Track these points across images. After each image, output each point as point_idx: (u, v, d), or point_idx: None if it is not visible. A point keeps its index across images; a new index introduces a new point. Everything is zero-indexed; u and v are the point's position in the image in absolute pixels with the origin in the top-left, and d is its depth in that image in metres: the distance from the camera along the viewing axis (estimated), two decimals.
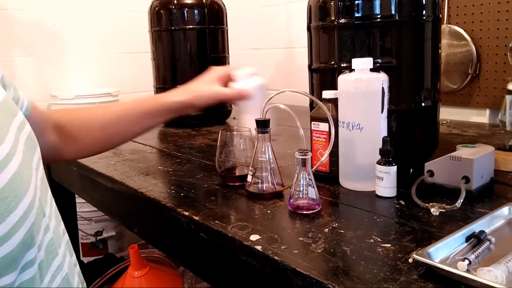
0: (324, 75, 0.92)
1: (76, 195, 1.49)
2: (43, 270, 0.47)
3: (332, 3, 0.86)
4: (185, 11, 1.43)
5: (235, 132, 0.86)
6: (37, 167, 0.50)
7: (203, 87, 0.86)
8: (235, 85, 0.84)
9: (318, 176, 0.81)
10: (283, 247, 0.58)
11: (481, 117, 1.38)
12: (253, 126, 0.79)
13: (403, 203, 0.72)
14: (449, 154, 0.74)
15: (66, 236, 0.56)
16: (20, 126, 0.48)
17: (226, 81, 0.86)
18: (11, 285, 0.42)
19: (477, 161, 0.71)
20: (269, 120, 0.78)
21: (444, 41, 1.37)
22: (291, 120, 0.79)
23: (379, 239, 0.59)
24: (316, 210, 0.70)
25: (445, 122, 1.37)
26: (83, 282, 0.58)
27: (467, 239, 0.56)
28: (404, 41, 0.84)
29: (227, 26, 1.53)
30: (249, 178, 0.79)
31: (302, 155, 0.70)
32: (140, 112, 0.82)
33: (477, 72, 1.35)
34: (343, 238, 0.61)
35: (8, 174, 0.41)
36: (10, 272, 0.41)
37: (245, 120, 0.85)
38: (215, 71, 0.87)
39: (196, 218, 0.70)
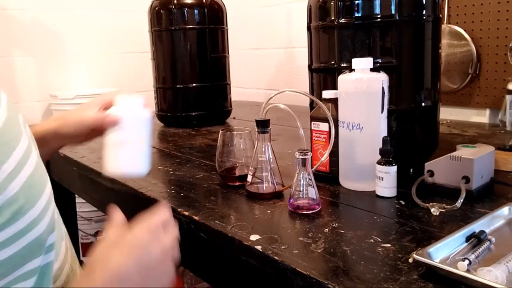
0: (324, 75, 0.92)
1: (76, 195, 1.49)
2: (57, 256, 0.51)
3: (332, 3, 0.86)
4: (185, 11, 1.43)
5: (235, 132, 0.86)
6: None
7: (74, 113, 0.73)
8: (109, 110, 0.69)
9: (318, 176, 0.81)
10: (283, 247, 0.58)
11: (481, 117, 1.38)
12: (115, 163, 0.62)
13: (403, 203, 0.72)
14: (449, 154, 0.74)
15: (67, 235, 0.58)
16: (24, 124, 0.51)
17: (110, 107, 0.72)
18: (37, 268, 0.45)
19: (477, 161, 0.71)
20: (269, 120, 0.78)
21: (444, 41, 1.37)
22: (291, 120, 0.79)
23: (379, 239, 0.59)
24: (316, 210, 0.70)
25: (445, 122, 1.37)
26: None
27: (467, 239, 0.56)
28: (404, 41, 0.84)
29: (227, 26, 1.53)
30: (249, 178, 0.79)
31: (302, 155, 0.70)
32: None
33: (477, 72, 1.35)
34: (343, 238, 0.61)
35: (33, 161, 0.45)
36: (39, 254, 0.46)
37: (107, 154, 0.64)
38: (100, 97, 0.74)
39: (196, 218, 0.70)
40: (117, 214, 0.54)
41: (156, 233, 0.50)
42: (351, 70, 0.77)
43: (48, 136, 0.71)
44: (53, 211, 0.49)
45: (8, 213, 0.40)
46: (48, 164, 1.40)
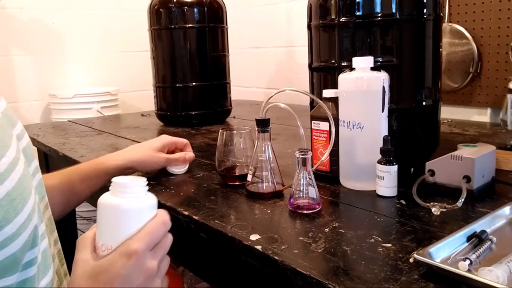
0: (324, 74, 0.92)
1: None
2: (40, 273, 0.48)
3: (332, 2, 0.85)
4: (185, 10, 1.43)
5: (235, 131, 0.86)
6: (33, 175, 0.52)
7: (149, 153, 0.89)
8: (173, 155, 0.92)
9: (319, 176, 0.81)
10: (283, 247, 0.58)
11: (482, 116, 1.38)
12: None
13: (404, 202, 0.71)
14: (450, 154, 0.74)
15: (58, 245, 0.57)
16: (19, 136, 0.50)
17: (171, 149, 0.94)
18: (13, 285, 0.43)
19: (478, 160, 0.71)
20: (269, 119, 0.77)
21: (445, 40, 1.37)
22: (291, 119, 0.78)
23: (380, 239, 0.59)
24: (317, 210, 0.70)
25: (446, 121, 1.36)
26: None
27: (468, 238, 0.56)
28: (405, 40, 0.84)
29: (227, 24, 1.53)
30: (249, 178, 0.79)
31: (303, 155, 0.70)
32: (77, 180, 0.81)
33: (478, 71, 1.34)
34: (343, 237, 0.60)
35: (16, 176, 0.44)
36: (14, 271, 0.43)
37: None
38: (164, 138, 0.93)
39: (196, 217, 0.70)
40: (91, 229, 0.50)
41: (142, 257, 0.46)
42: (352, 69, 0.77)
43: (119, 170, 0.84)
44: (35, 228, 0.46)
45: None
46: (47, 164, 1.41)
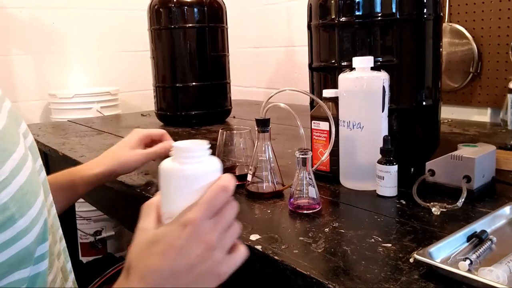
0: (324, 73, 0.92)
1: None
2: (49, 268, 0.49)
3: (332, 2, 0.85)
4: (185, 9, 1.43)
5: (235, 131, 0.86)
6: (39, 172, 0.52)
7: (127, 153, 0.84)
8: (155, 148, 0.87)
9: (319, 176, 0.81)
10: (283, 247, 0.58)
11: (483, 116, 1.38)
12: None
13: (404, 202, 0.71)
14: (450, 153, 0.74)
15: (63, 242, 0.57)
16: (25, 134, 0.51)
17: (148, 142, 0.88)
18: (26, 278, 0.44)
19: (478, 160, 0.71)
20: (269, 119, 0.77)
21: (445, 40, 1.37)
22: (291, 119, 0.78)
23: (380, 239, 0.59)
24: (317, 210, 0.70)
25: (446, 121, 1.36)
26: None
27: (469, 238, 0.56)
28: (405, 40, 0.84)
29: (227, 24, 1.53)
30: (249, 178, 0.79)
31: (303, 154, 0.70)
32: (52, 191, 0.76)
33: (478, 71, 1.34)
34: (343, 237, 0.60)
35: (26, 171, 0.44)
36: (27, 265, 0.44)
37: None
38: (137, 133, 0.87)
39: None
40: (156, 195, 0.48)
41: (200, 227, 0.42)
42: (352, 69, 0.77)
43: (100, 178, 0.81)
44: (46, 223, 0.47)
45: None
46: (47, 164, 1.40)
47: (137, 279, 0.43)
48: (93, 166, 0.82)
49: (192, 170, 0.44)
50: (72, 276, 0.58)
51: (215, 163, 0.46)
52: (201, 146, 0.45)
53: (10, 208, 0.41)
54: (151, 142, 0.88)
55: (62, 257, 0.55)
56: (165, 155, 0.82)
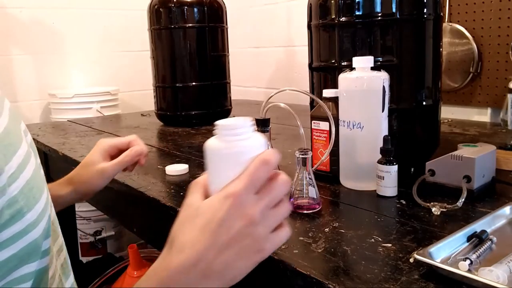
0: (324, 73, 0.92)
1: None
2: (51, 264, 0.50)
3: (332, 1, 0.85)
4: (185, 9, 1.43)
5: None
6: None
7: (90, 172, 0.79)
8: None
9: (319, 176, 0.81)
10: (283, 247, 0.58)
11: (483, 116, 1.38)
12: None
13: (404, 202, 0.71)
14: (450, 153, 0.74)
15: (63, 240, 0.57)
16: (25, 132, 0.51)
17: (115, 153, 0.81)
18: (32, 273, 0.45)
19: (478, 160, 0.71)
20: (269, 119, 0.77)
21: (445, 40, 1.37)
22: (291, 119, 0.78)
23: (380, 239, 0.59)
24: (317, 210, 0.70)
25: (446, 121, 1.36)
26: None
27: (469, 238, 0.56)
28: (405, 40, 0.84)
29: (227, 24, 1.53)
30: None
31: (303, 154, 0.70)
32: None
33: (478, 71, 1.34)
34: (343, 237, 0.60)
35: (31, 167, 0.45)
36: (35, 258, 0.45)
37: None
38: (100, 146, 0.81)
39: None
40: (202, 175, 0.47)
41: (241, 200, 0.42)
42: (352, 68, 0.77)
43: (65, 200, 0.78)
44: (50, 218, 0.48)
45: (7, 215, 0.41)
46: (47, 164, 1.40)
47: (178, 252, 0.43)
48: (59, 188, 0.79)
49: (237, 147, 0.44)
50: (71, 275, 0.58)
51: (260, 139, 0.46)
52: (245, 122, 0.45)
53: (19, 202, 0.42)
54: (118, 152, 0.82)
55: (62, 254, 0.56)
56: (134, 162, 0.80)
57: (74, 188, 0.79)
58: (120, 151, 0.81)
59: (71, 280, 0.57)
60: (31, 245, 0.44)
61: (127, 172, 0.84)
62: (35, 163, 0.47)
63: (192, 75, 1.47)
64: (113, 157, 0.81)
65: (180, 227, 0.44)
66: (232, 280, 0.43)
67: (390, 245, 0.57)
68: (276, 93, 0.78)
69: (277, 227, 0.44)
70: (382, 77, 0.75)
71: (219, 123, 0.45)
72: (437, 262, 0.50)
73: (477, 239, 0.55)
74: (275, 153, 0.44)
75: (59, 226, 0.57)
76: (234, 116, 1.60)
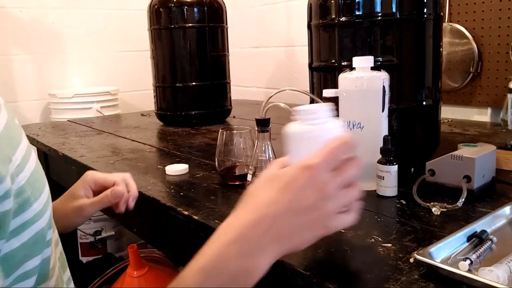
0: (324, 73, 0.91)
1: None
2: (52, 255, 0.52)
3: (332, 1, 0.85)
4: (185, 9, 1.43)
5: (235, 131, 0.86)
6: None
7: (70, 212, 0.73)
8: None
9: None
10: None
11: (483, 116, 1.38)
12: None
13: (404, 202, 0.71)
14: (450, 153, 0.73)
15: (57, 233, 0.57)
16: (20, 128, 0.53)
17: (100, 189, 0.75)
18: (37, 263, 0.47)
19: (478, 160, 0.71)
20: (269, 119, 0.77)
21: (446, 40, 1.37)
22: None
23: (380, 239, 0.59)
24: None
25: (446, 121, 1.36)
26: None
27: (469, 238, 0.56)
28: (405, 40, 0.84)
29: (227, 24, 1.53)
30: (249, 177, 0.79)
31: None
32: None
33: (478, 71, 1.34)
34: (343, 237, 0.60)
35: (33, 159, 0.48)
36: (41, 248, 0.47)
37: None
38: (86, 178, 0.76)
39: (196, 217, 0.70)
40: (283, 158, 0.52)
41: (318, 173, 0.45)
42: (352, 68, 0.77)
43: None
44: (51, 210, 0.50)
45: (16, 204, 0.42)
46: (47, 164, 1.40)
47: (251, 211, 0.45)
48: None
49: (318, 129, 0.49)
50: (68, 270, 0.59)
51: (338, 123, 0.50)
52: (325, 108, 0.50)
53: (26, 191, 0.44)
54: (103, 189, 0.75)
55: (58, 247, 0.57)
56: (111, 204, 0.74)
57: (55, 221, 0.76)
58: (104, 188, 0.75)
59: (68, 274, 0.58)
60: (38, 234, 0.46)
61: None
62: (35, 157, 0.49)
63: (192, 75, 1.47)
64: (97, 193, 0.75)
65: (256, 189, 0.47)
66: (295, 248, 0.46)
67: (390, 245, 0.57)
68: (276, 93, 0.78)
69: (345, 211, 0.47)
70: (382, 77, 0.75)
71: (301, 108, 0.50)
72: (437, 262, 0.50)
73: (477, 239, 0.55)
74: (352, 137, 0.47)
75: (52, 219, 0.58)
76: (234, 117, 1.60)
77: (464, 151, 0.74)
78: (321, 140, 0.47)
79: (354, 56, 0.76)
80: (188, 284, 0.43)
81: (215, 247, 0.44)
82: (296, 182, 0.45)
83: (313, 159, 0.45)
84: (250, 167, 0.79)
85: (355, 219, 0.48)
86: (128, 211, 0.77)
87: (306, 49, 0.97)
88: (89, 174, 0.77)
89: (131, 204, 0.76)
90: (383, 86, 0.75)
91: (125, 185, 0.76)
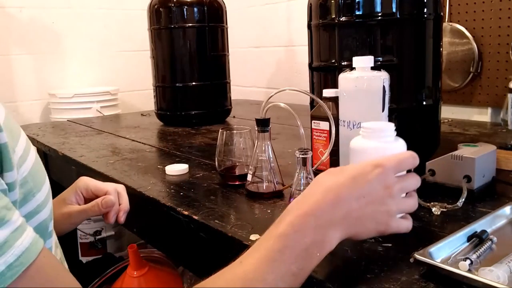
0: (324, 73, 0.91)
1: None
2: (53, 246, 0.53)
3: (332, 1, 0.85)
4: (185, 9, 1.43)
5: (235, 131, 0.86)
6: None
7: (59, 218, 0.70)
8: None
9: None
10: None
11: (483, 115, 1.38)
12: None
13: None
14: (450, 153, 0.73)
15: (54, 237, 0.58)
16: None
17: (91, 197, 0.75)
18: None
19: (478, 160, 0.71)
20: (269, 119, 0.77)
21: (446, 39, 1.37)
22: (291, 119, 0.78)
23: (380, 239, 0.59)
24: None
25: (446, 121, 1.36)
26: None
27: (469, 238, 0.56)
28: (405, 39, 0.84)
29: (227, 24, 1.53)
30: (249, 177, 0.79)
31: (303, 154, 0.69)
32: None
33: (478, 71, 1.34)
34: None
35: (33, 152, 0.49)
36: (45, 238, 0.48)
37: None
38: (79, 184, 0.75)
39: (196, 217, 0.70)
40: None
41: (388, 172, 0.49)
42: (352, 68, 0.77)
43: None
44: (51, 201, 0.52)
45: (21, 194, 0.44)
46: (47, 164, 1.40)
47: (323, 190, 0.47)
48: None
49: (384, 148, 0.55)
50: (65, 262, 0.60)
51: (402, 142, 0.57)
52: (389, 127, 0.56)
53: (29, 182, 0.45)
54: (94, 197, 0.74)
55: (58, 247, 0.58)
56: (101, 213, 0.73)
57: None
58: (96, 197, 0.74)
59: (66, 266, 0.58)
60: (41, 225, 0.47)
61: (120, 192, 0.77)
62: (35, 150, 0.51)
63: (192, 75, 1.47)
64: (88, 200, 0.74)
65: (325, 176, 0.50)
66: (355, 235, 0.48)
67: (390, 245, 0.57)
68: (276, 93, 0.78)
69: (403, 217, 0.52)
70: (382, 77, 0.75)
71: (366, 125, 0.56)
72: (437, 262, 0.50)
73: (477, 239, 0.55)
74: (417, 156, 0.52)
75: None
76: (234, 117, 1.61)
77: (464, 151, 0.74)
78: (386, 153, 0.52)
79: (354, 56, 0.76)
80: (267, 248, 0.45)
81: (292, 217, 0.46)
82: (367, 175, 0.48)
83: (385, 160, 0.49)
84: (250, 167, 0.79)
85: (411, 225, 0.52)
86: (127, 211, 0.77)
87: (306, 49, 0.97)
88: (82, 180, 0.75)
89: (122, 217, 0.74)
90: (383, 86, 0.75)
91: (117, 195, 0.75)
